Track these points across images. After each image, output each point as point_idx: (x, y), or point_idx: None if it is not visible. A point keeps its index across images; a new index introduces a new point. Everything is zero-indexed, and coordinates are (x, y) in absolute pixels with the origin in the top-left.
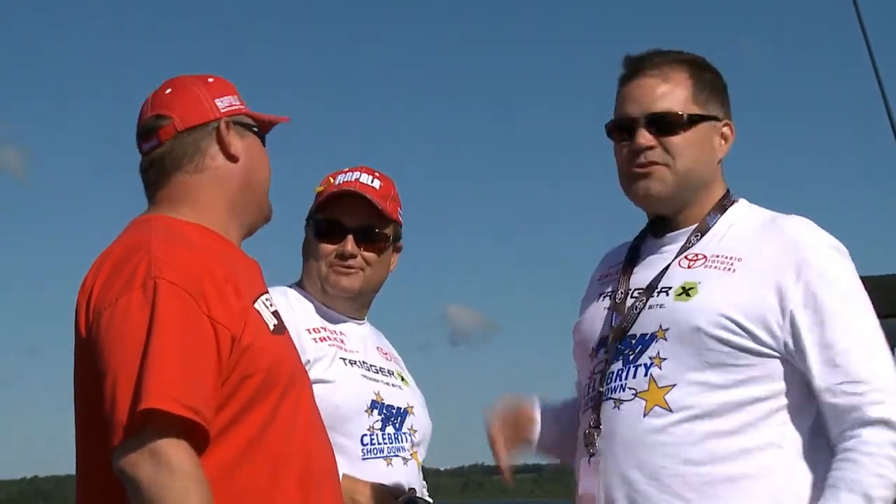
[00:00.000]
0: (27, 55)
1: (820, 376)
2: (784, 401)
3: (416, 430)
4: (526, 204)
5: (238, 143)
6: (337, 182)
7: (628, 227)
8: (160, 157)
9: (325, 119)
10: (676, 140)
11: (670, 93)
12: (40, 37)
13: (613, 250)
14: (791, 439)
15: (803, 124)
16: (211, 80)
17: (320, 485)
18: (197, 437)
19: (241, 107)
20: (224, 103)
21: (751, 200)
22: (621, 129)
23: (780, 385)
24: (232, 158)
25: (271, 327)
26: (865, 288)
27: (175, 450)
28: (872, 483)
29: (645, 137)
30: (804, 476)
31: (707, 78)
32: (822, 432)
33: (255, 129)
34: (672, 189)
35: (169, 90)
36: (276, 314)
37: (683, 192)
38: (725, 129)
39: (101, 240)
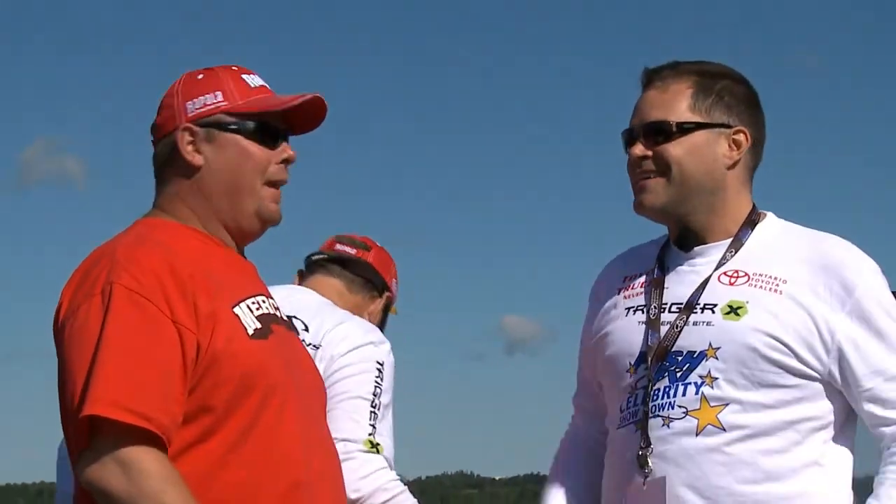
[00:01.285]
0: (80, 70)
1: (865, 400)
2: (828, 420)
3: None
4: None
5: (206, 148)
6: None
7: None
8: (153, 160)
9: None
10: (668, 148)
11: (667, 103)
12: (88, 59)
13: (621, 259)
14: (832, 458)
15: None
16: (201, 76)
17: (313, 497)
18: (159, 442)
19: (220, 103)
20: (196, 105)
21: (778, 214)
22: (626, 142)
23: (825, 405)
24: (190, 166)
25: (251, 332)
26: None
27: (141, 455)
28: None
29: (639, 149)
30: (846, 494)
31: (714, 85)
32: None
33: (234, 127)
34: (667, 199)
35: (164, 94)
36: (264, 317)
37: (683, 202)
38: (738, 136)
39: None
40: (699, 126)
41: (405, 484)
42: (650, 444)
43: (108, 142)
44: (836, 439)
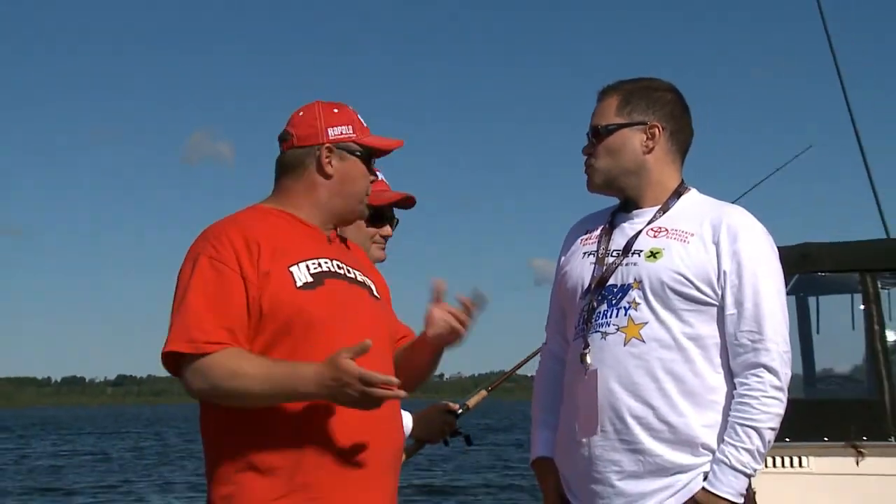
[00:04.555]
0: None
1: (731, 323)
2: (721, 339)
3: None
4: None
5: (336, 163)
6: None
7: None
8: (280, 161)
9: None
10: (602, 145)
11: (601, 112)
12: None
13: (586, 219)
14: (726, 366)
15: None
16: (336, 110)
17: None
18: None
19: (352, 135)
20: (336, 132)
21: (701, 191)
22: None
23: (719, 327)
24: (325, 175)
25: (299, 284)
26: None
27: (205, 362)
28: (760, 419)
29: (586, 147)
30: (730, 393)
31: (635, 95)
32: None
33: (359, 154)
34: (601, 181)
35: (301, 113)
36: (319, 274)
37: (615, 181)
38: (653, 130)
39: None
40: (620, 126)
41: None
42: (590, 347)
43: (253, 131)
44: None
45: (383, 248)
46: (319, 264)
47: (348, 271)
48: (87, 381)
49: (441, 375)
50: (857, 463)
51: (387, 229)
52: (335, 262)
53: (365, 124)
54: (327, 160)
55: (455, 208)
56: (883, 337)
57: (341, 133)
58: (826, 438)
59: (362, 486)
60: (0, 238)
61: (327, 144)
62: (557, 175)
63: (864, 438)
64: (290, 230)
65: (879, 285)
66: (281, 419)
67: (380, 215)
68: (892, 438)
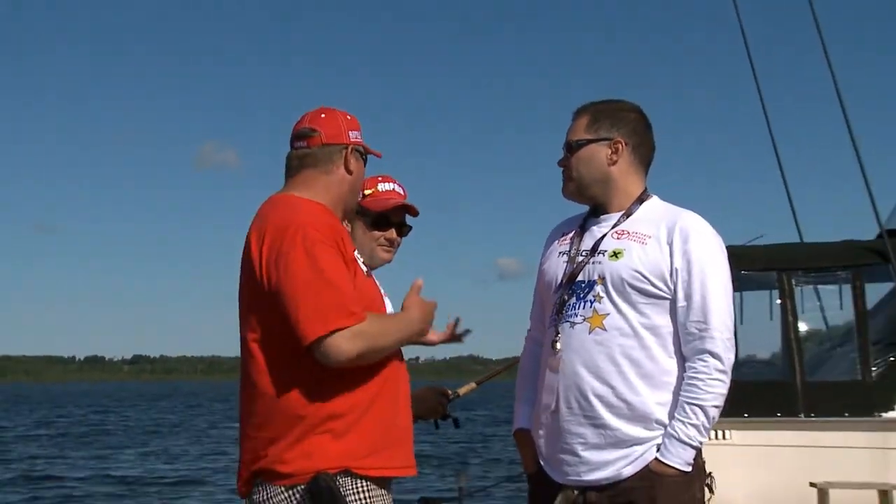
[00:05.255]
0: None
1: (681, 314)
2: (674, 328)
3: None
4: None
5: (354, 163)
6: (382, 189)
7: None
8: (304, 155)
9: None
10: (574, 158)
11: (574, 129)
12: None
13: (564, 223)
14: (678, 351)
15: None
16: (349, 117)
17: (401, 371)
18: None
19: (361, 140)
20: (353, 135)
21: (662, 198)
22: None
23: (671, 317)
24: (349, 172)
25: (365, 271)
26: (730, 253)
27: (365, 326)
28: (706, 398)
29: (561, 160)
30: (681, 376)
31: (602, 114)
32: None
33: (366, 157)
34: (574, 189)
35: (323, 115)
36: (365, 263)
37: (585, 190)
38: (616, 145)
39: None
40: (589, 142)
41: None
42: (559, 335)
43: (255, 142)
44: (680, 340)
45: (388, 251)
46: (358, 255)
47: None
48: (106, 360)
49: (417, 358)
50: (771, 436)
51: (391, 233)
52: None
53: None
54: (351, 158)
55: (431, 208)
56: (796, 328)
57: (357, 137)
58: (746, 415)
59: (409, 444)
60: (35, 234)
61: (351, 145)
62: (524, 183)
63: (779, 415)
64: (338, 223)
65: (794, 283)
66: (357, 386)
67: (385, 220)
68: (802, 415)
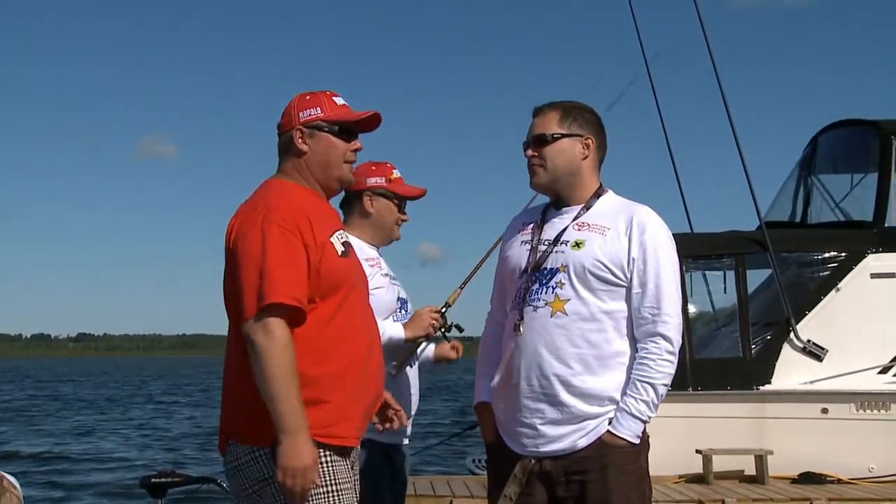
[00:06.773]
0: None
1: (636, 300)
2: (628, 312)
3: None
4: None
5: (309, 142)
6: (396, 176)
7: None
8: (279, 144)
9: None
10: (546, 150)
11: (544, 123)
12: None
13: (523, 213)
14: (631, 335)
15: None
16: (308, 97)
17: (373, 346)
18: (294, 316)
19: (319, 115)
20: (306, 114)
21: (616, 192)
22: (524, 148)
23: (627, 303)
24: (299, 153)
25: (339, 252)
26: (678, 240)
27: (277, 325)
28: (656, 377)
29: (529, 152)
30: (633, 357)
31: (572, 112)
32: None
33: (326, 129)
34: (545, 180)
35: (285, 107)
36: (345, 244)
37: (555, 181)
38: (588, 141)
39: (236, 195)
40: (564, 136)
41: None
42: (523, 318)
43: (193, 134)
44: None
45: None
46: (340, 235)
47: (348, 237)
48: (52, 337)
49: None
50: (663, 408)
51: (406, 216)
52: (345, 232)
53: (340, 103)
54: (300, 139)
55: None
56: (686, 310)
57: (310, 114)
58: (699, 388)
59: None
60: None
61: (297, 126)
62: (447, 172)
63: (670, 389)
64: (316, 204)
65: (684, 269)
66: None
67: (405, 206)
68: (690, 388)
